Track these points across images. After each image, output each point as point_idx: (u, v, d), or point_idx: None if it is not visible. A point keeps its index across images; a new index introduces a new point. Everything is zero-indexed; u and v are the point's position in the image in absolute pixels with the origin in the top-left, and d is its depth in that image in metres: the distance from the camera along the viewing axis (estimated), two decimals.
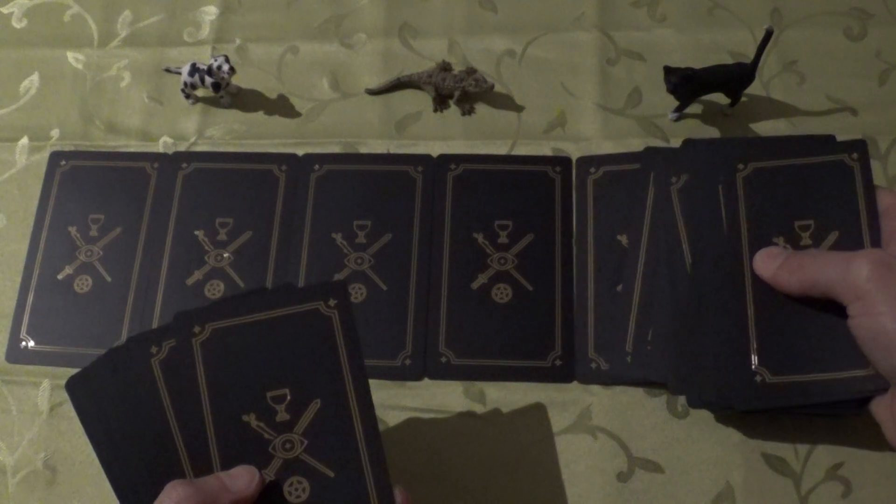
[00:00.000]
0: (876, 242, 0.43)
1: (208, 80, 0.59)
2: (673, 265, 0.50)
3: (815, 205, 0.46)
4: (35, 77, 0.65)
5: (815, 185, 0.46)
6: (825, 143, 0.48)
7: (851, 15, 0.62)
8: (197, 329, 0.40)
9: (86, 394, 0.41)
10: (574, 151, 0.58)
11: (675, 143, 0.58)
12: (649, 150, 0.55)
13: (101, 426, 0.40)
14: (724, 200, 0.48)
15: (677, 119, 0.59)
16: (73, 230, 0.58)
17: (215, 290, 0.55)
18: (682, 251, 0.50)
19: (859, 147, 0.46)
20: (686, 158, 0.52)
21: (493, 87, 0.59)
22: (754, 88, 0.58)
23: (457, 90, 0.59)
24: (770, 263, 0.45)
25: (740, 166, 0.48)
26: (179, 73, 0.61)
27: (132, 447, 0.40)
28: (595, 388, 0.51)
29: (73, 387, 0.41)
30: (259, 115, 0.62)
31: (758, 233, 0.46)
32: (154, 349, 0.40)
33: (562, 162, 0.57)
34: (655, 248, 0.51)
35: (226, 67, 0.58)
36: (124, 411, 0.40)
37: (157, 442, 0.39)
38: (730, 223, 0.47)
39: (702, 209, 0.49)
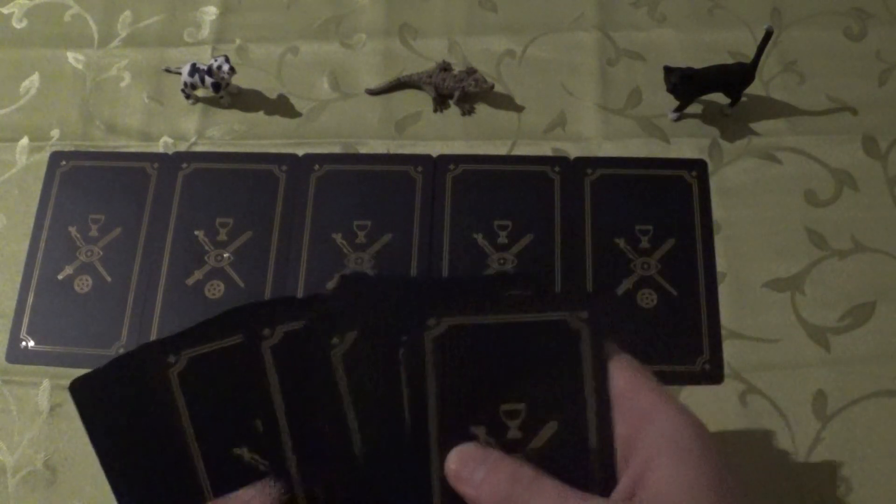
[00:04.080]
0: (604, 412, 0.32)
1: (208, 80, 0.59)
2: (337, 460, 0.34)
3: (525, 374, 0.34)
4: (35, 77, 0.65)
5: (528, 352, 0.35)
6: (540, 291, 0.37)
7: (851, 15, 0.62)
8: (432, 322, 0.34)
9: (96, 397, 0.38)
10: (574, 151, 0.58)
11: (675, 143, 0.58)
12: (313, 298, 0.36)
13: (109, 432, 0.37)
14: (407, 372, 0.33)
15: (677, 119, 0.59)
16: (73, 230, 0.58)
17: (215, 290, 0.55)
18: (351, 441, 0.34)
19: (590, 305, 0.35)
20: (355, 306, 0.35)
21: (493, 87, 0.59)
22: (754, 88, 0.58)
23: (457, 90, 0.59)
24: (470, 471, 0.31)
25: (431, 322, 0.34)
26: (179, 74, 0.61)
27: (148, 459, 0.36)
28: None
29: (77, 389, 0.39)
30: (259, 115, 0.62)
31: (452, 421, 0.33)
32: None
33: (561, 162, 0.57)
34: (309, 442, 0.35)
35: (226, 67, 0.58)
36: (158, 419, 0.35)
37: (180, 457, 0.35)
38: (414, 407, 0.33)
39: (374, 385, 0.34)
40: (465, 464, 0.31)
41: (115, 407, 0.37)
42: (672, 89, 0.56)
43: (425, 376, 0.33)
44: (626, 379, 0.31)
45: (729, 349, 0.52)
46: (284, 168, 0.59)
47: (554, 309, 0.34)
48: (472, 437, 0.33)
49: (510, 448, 0.33)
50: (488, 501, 0.30)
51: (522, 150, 0.59)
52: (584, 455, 0.33)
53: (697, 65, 0.56)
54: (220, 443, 0.35)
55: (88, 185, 0.59)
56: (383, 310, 0.34)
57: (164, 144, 0.61)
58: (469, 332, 0.34)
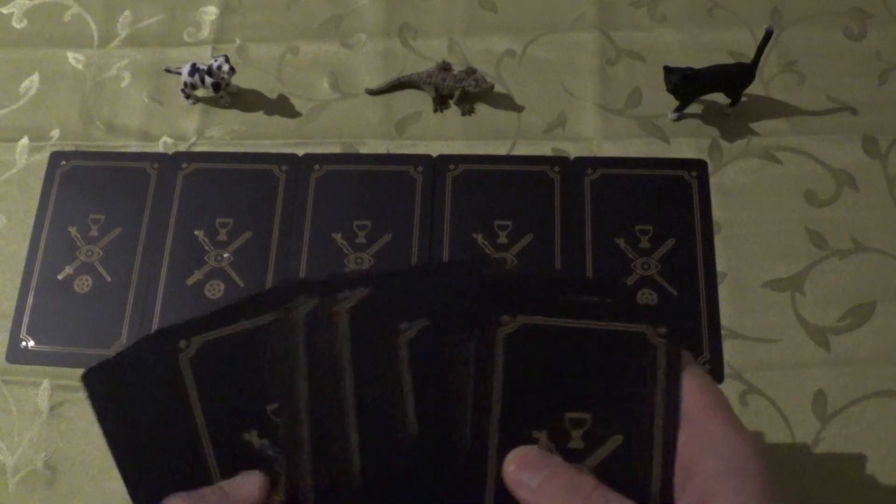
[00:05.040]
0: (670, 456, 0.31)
1: (208, 80, 0.59)
2: (389, 449, 0.33)
3: (595, 384, 0.34)
4: (35, 77, 0.65)
5: (601, 361, 0.34)
6: (618, 300, 0.35)
7: (851, 15, 0.62)
8: (506, 318, 0.33)
9: (108, 386, 0.36)
10: (574, 151, 0.58)
11: (675, 143, 0.58)
12: (381, 276, 0.35)
13: (121, 422, 0.35)
14: (475, 368, 0.33)
15: (677, 119, 0.59)
16: (73, 230, 0.58)
17: (215, 290, 0.55)
18: (407, 430, 0.33)
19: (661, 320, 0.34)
20: (426, 293, 0.34)
21: (493, 87, 0.59)
22: (754, 88, 0.58)
23: (457, 90, 0.59)
24: (528, 475, 0.30)
25: (505, 318, 0.33)
26: (179, 74, 0.61)
27: (160, 448, 0.35)
28: None
29: (89, 379, 0.38)
30: (259, 115, 0.62)
31: (514, 422, 0.33)
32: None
33: (561, 162, 0.57)
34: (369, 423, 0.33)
35: (226, 67, 0.59)
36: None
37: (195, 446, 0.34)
38: (478, 403, 0.33)
39: (439, 376, 0.33)
40: (523, 467, 0.31)
41: (126, 396, 0.36)
42: (672, 89, 0.56)
43: (492, 373, 0.32)
44: (696, 399, 0.30)
45: (729, 349, 0.52)
46: (284, 168, 0.59)
47: (632, 321, 0.33)
48: (532, 441, 0.32)
49: (570, 457, 0.32)
50: None
51: (522, 150, 0.59)
52: (646, 474, 0.32)
53: (697, 65, 0.56)
54: (231, 428, 0.34)
55: (88, 185, 0.59)
56: (456, 300, 0.33)
57: (164, 144, 0.61)
58: (542, 334, 0.33)
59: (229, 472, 0.34)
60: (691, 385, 0.31)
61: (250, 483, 0.33)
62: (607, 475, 0.31)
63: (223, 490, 0.33)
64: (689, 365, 0.31)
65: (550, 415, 0.33)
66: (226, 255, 0.56)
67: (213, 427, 0.34)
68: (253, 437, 0.34)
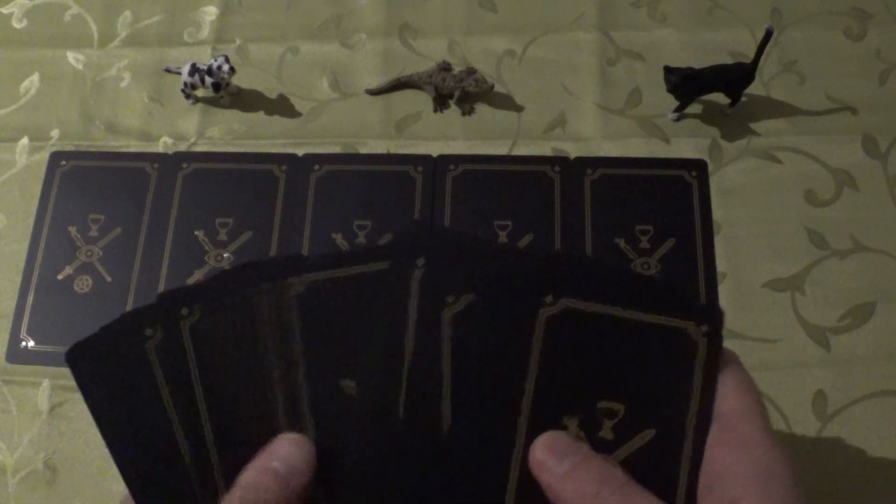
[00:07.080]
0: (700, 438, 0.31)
1: (208, 80, 0.59)
2: (422, 421, 0.33)
3: (631, 375, 0.33)
4: (35, 77, 0.65)
5: (640, 354, 0.34)
6: (664, 294, 0.35)
7: (851, 15, 0.62)
8: (550, 300, 0.32)
9: (94, 363, 0.35)
10: (574, 151, 0.58)
11: (676, 143, 0.58)
12: (406, 234, 0.34)
13: (109, 401, 0.35)
14: (513, 347, 0.33)
15: (677, 119, 0.59)
16: (73, 230, 0.58)
17: None
18: (440, 405, 0.32)
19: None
20: (474, 267, 0.33)
21: (493, 87, 0.59)
22: (754, 88, 0.58)
23: (457, 90, 0.59)
24: (556, 461, 0.30)
25: (548, 299, 0.33)
26: (179, 73, 0.61)
27: (151, 427, 0.34)
28: None
29: (74, 357, 0.36)
30: (259, 115, 0.62)
31: (546, 406, 0.32)
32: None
33: (561, 162, 0.57)
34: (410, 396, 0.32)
35: (226, 67, 0.59)
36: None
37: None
38: (512, 382, 0.32)
39: (483, 353, 0.33)
40: (551, 452, 0.30)
41: (114, 373, 0.35)
42: (672, 89, 0.56)
43: (530, 354, 0.32)
44: (733, 401, 0.30)
45: (729, 349, 0.52)
46: (284, 168, 0.59)
47: (676, 316, 0.33)
48: (562, 427, 0.32)
49: (599, 447, 0.32)
50: (571, 497, 0.28)
51: (522, 150, 0.59)
52: (673, 472, 0.31)
53: (697, 65, 0.56)
54: (234, 403, 0.33)
55: (88, 185, 0.59)
56: (505, 276, 0.33)
57: (164, 144, 0.61)
58: (583, 319, 0.33)
59: (227, 446, 0.33)
60: (730, 386, 0.30)
61: (299, 448, 0.30)
62: (634, 469, 0.31)
63: (276, 472, 0.30)
64: (731, 365, 0.31)
65: (583, 402, 0.32)
66: (226, 255, 0.56)
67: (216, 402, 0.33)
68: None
